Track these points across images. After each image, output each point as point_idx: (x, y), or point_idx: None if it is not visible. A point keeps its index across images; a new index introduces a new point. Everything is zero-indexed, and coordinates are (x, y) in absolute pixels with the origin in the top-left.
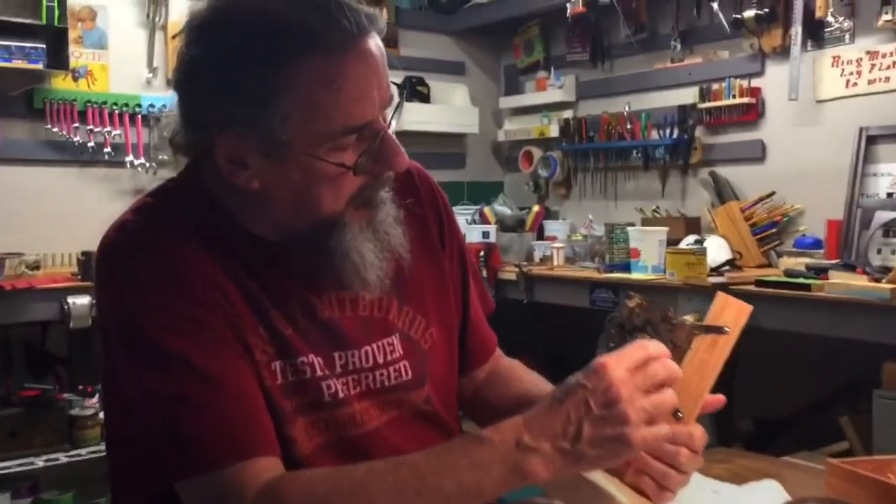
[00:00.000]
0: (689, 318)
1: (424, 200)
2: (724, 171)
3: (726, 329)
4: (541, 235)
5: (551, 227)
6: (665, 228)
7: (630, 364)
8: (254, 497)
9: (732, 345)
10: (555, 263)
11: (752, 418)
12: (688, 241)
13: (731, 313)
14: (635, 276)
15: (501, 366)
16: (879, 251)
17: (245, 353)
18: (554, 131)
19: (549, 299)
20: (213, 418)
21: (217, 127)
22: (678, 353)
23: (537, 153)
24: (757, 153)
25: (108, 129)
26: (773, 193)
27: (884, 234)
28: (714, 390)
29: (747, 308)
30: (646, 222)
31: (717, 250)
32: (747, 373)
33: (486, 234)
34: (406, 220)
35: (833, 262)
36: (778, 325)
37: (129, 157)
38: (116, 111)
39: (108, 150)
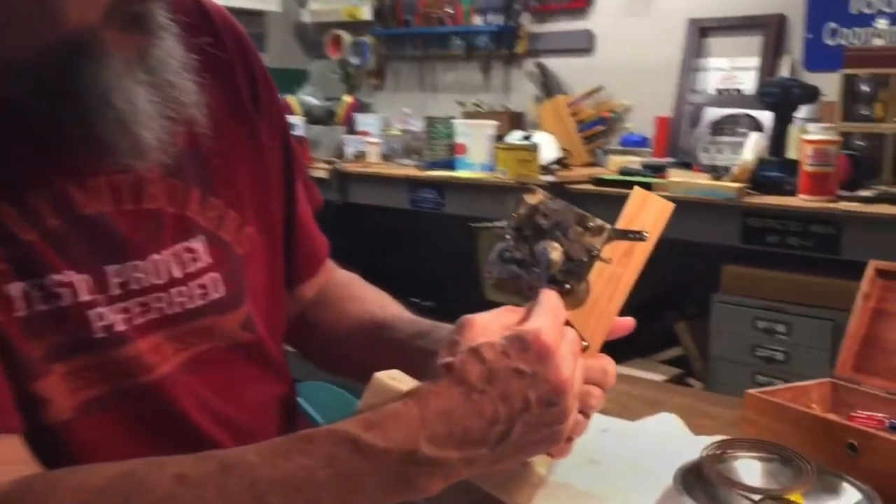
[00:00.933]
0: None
1: (229, 47)
2: (551, 63)
3: (646, 234)
4: (351, 130)
5: (363, 120)
6: (494, 122)
7: (577, 349)
8: None
9: (649, 253)
10: (370, 160)
11: None
12: (513, 137)
13: (651, 213)
14: (461, 173)
15: (335, 280)
16: (707, 150)
17: None
18: (366, 13)
19: (366, 200)
20: None
21: None
22: (590, 265)
23: (347, 38)
24: (584, 44)
25: None
26: (600, 88)
27: (712, 132)
28: None
29: (669, 206)
30: (467, 116)
31: (545, 147)
32: None
33: (291, 127)
34: (202, 70)
35: (668, 160)
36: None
37: None
38: None
39: None
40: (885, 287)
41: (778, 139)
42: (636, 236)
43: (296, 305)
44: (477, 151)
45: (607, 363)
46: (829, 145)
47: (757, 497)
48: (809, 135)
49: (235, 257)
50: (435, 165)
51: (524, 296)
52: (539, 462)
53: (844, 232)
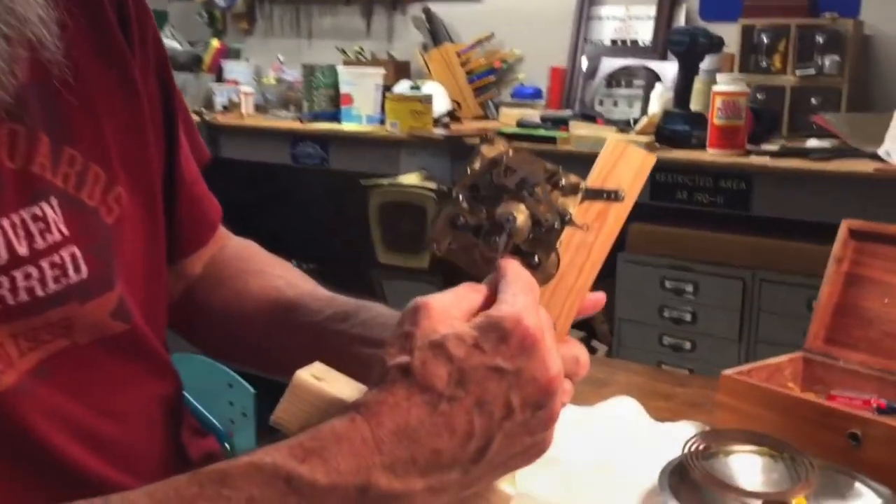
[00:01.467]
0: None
1: None
2: (438, 9)
3: (622, 193)
4: (219, 78)
5: (233, 68)
6: (382, 70)
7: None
8: None
9: (626, 217)
10: (244, 112)
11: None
12: (401, 88)
13: (629, 169)
14: (347, 126)
15: (229, 251)
16: (602, 103)
17: None
18: None
19: (240, 155)
20: None
21: None
22: (560, 232)
23: None
24: None
25: None
26: (491, 36)
27: (608, 84)
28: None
29: (650, 160)
30: (349, 65)
31: (436, 98)
32: None
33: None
34: None
35: (567, 112)
36: None
37: None
38: None
39: None
40: (858, 249)
41: (684, 91)
42: (612, 196)
43: (180, 282)
44: (364, 102)
45: (579, 350)
46: (738, 97)
47: (757, 502)
48: (719, 86)
49: (102, 226)
50: (318, 117)
51: (479, 270)
52: (503, 478)
53: (754, 187)
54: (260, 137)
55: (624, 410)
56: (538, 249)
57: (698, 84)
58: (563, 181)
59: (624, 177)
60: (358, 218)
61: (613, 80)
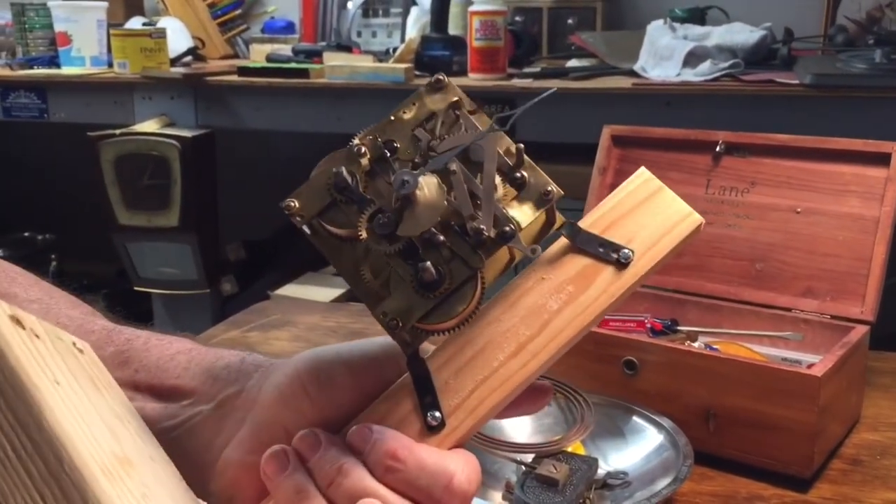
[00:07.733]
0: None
1: None
2: None
3: (629, 254)
4: None
5: None
6: (104, 4)
7: None
8: None
9: (628, 291)
10: None
11: (243, 243)
12: (133, 25)
13: (657, 221)
14: (68, 70)
15: None
16: (360, 34)
17: None
18: None
19: None
20: None
21: None
22: (492, 251)
23: None
24: None
25: None
26: None
27: (363, 13)
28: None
29: (693, 221)
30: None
31: (174, 36)
32: (231, 189)
33: None
34: None
35: (323, 44)
36: (267, 124)
37: None
38: None
39: None
40: (622, 157)
41: (440, 13)
42: (608, 254)
43: None
44: (85, 42)
45: (457, 465)
46: (496, 16)
47: (528, 457)
48: (476, 6)
49: None
50: (34, 62)
51: (345, 266)
52: None
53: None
54: None
55: None
56: (450, 266)
57: (455, 7)
58: (530, 179)
59: (644, 230)
60: (92, 176)
61: (370, 9)
